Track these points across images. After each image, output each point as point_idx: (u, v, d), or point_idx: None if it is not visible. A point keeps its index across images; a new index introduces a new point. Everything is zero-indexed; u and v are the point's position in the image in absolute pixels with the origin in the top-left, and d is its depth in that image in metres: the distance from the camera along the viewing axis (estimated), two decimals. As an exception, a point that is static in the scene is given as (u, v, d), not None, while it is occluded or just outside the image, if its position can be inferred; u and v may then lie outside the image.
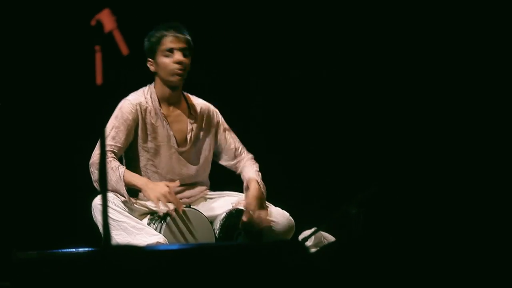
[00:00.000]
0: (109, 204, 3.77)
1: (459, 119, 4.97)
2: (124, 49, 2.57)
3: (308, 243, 3.92)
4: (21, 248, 3.37)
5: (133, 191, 3.93)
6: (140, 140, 4.02)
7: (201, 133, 4.15)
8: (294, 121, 5.27)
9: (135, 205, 3.92)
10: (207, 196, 4.18)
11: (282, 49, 5.19)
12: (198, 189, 4.15)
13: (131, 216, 3.83)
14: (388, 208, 4.86)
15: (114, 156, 3.92)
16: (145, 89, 4.08)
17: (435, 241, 2.93)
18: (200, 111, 4.15)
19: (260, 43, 5.17)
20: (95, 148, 3.92)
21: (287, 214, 4.05)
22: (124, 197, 3.85)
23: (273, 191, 4.13)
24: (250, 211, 3.92)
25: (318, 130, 5.26)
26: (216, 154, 4.22)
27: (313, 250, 3.84)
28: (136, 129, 4.01)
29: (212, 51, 4.98)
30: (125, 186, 3.85)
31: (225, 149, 4.20)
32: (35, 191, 4.81)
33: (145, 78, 4.08)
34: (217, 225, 3.99)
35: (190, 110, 4.14)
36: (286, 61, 5.22)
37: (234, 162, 4.21)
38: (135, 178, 3.91)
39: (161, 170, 4.06)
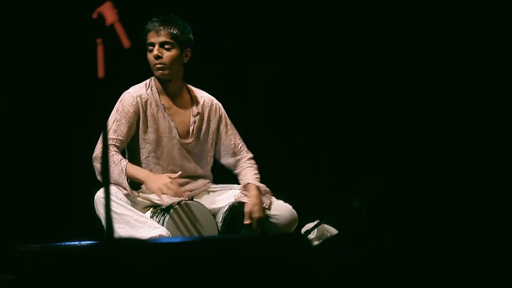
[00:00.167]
0: (112, 197, 3.77)
1: (461, 115, 4.96)
2: (126, 42, 2.57)
3: (311, 236, 3.93)
4: (24, 241, 3.37)
5: (136, 184, 3.93)
6: (141, 132, 4.02)
7: (204, 126, 4.14)
8: (297, 114, 5.27)
9: (137, 198, 3.92)
10: (210, 189, 4.17)
11: (283, 46, 5.18)
12: (201, 182, 4.15)
13: (134, 209, 3.84)
14: (390, 202, 4.86)
15: (116, 149, 3.91)
16: (147, 81, 4.08)
17: (437, 235, 2.93)
18: (203, 104, 4.15)
19: (260, 41, 5.16)
20: (98, 142, 3.92)
21: (290, 207, 4.06)
22: (127, 190, 3.85)
23: (276, 184, 4.13)
24: (251, 219, 3.97)
25: (321, 123, 5.26)
26: (216, 150, 4.21)
27: (316, 243, 3.84)
28: (138, 121, 4.01)
29: (214, 44, 4.98)
30: (127, 179, 3.85)
31: (224, 144, 4.19)
32: (37, 184, 4.81)
33: (147, 71, 4.07)
34: (219, 218, 4.00)
35: (193, 103, 4.13)
36: (290, 56, 5.21)
37: (232, 160, 4.20)
38: (137, 171, 3.91)
39: (163, 162, 4.05)
